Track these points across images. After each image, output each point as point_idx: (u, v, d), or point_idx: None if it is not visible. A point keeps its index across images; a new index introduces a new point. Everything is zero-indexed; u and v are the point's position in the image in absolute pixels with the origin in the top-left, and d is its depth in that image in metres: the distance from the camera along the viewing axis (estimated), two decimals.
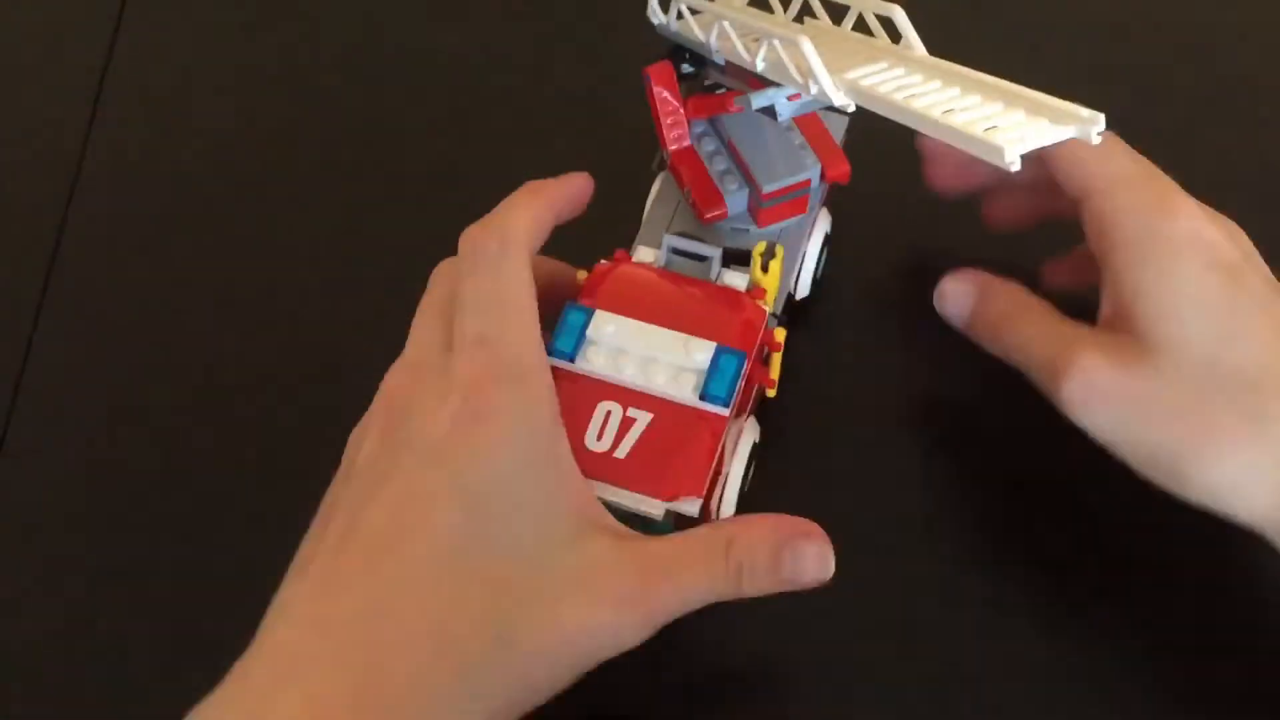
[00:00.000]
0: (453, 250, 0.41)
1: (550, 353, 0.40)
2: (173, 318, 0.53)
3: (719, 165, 0.46)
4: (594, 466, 0.39)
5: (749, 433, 0.43)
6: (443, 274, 0.42)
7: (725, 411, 0.39)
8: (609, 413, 0.40)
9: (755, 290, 0.43)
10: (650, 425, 0.39)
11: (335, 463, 0.47)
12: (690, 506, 0.39)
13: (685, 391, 0.40)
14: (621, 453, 0.39)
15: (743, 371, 0.40)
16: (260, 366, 0.51)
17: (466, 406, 0.37)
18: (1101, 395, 0.40)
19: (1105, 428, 0.40)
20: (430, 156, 0.56)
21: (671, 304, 0.42)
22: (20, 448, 0.49)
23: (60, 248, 0.56)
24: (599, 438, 0.39)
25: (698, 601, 0.37)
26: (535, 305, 0.39)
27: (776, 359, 0.44)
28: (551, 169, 0.43)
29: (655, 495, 0.38)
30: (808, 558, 0.37)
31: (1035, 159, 0.41)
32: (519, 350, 0.38)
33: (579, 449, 0.39)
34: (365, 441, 0.39)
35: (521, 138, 0.56)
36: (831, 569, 0.37)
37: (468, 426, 0.36)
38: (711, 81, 0.46)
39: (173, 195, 0.58)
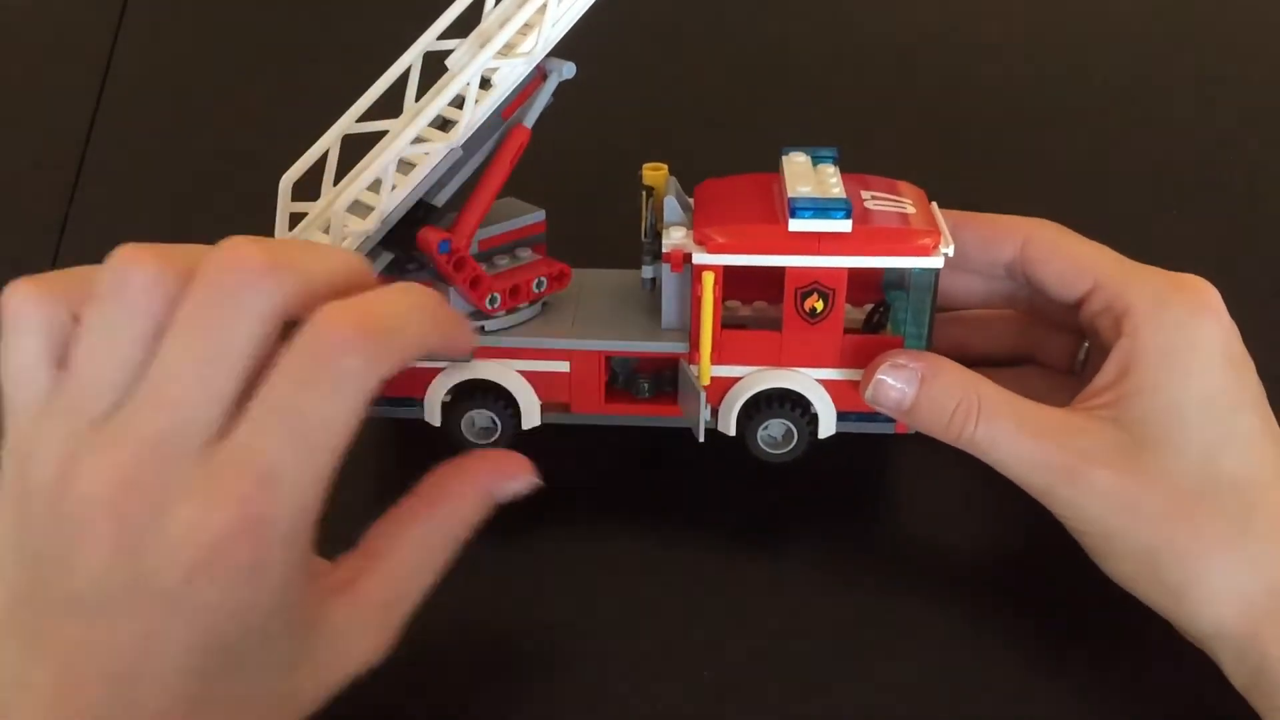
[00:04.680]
0: None
1: None
2: None
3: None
4: None
5: None
6: (276, 290, 0.32)
7: None
8: None
9: None
10: None
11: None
12: None
13: None
14: None
15: None
16: None
17: (229, 546, 0.30)
18: (1101, 495, 0.39)
19: (1095, 521, 0.39)
20: None
21: None
22: None
23: (64, 238, 0.56)
24: None
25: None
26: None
27: None
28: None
29: None
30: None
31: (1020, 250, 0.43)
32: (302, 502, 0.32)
33: None
34: (76, 481, 0.31)
35: None
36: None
37: (229, 568, 0.31)
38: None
39: (174, 190, 0.58)
